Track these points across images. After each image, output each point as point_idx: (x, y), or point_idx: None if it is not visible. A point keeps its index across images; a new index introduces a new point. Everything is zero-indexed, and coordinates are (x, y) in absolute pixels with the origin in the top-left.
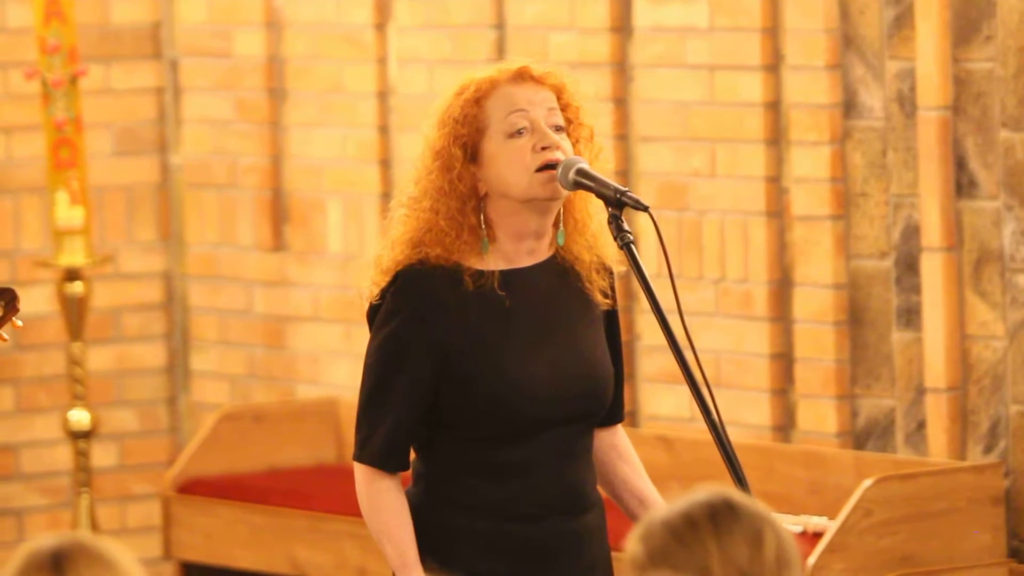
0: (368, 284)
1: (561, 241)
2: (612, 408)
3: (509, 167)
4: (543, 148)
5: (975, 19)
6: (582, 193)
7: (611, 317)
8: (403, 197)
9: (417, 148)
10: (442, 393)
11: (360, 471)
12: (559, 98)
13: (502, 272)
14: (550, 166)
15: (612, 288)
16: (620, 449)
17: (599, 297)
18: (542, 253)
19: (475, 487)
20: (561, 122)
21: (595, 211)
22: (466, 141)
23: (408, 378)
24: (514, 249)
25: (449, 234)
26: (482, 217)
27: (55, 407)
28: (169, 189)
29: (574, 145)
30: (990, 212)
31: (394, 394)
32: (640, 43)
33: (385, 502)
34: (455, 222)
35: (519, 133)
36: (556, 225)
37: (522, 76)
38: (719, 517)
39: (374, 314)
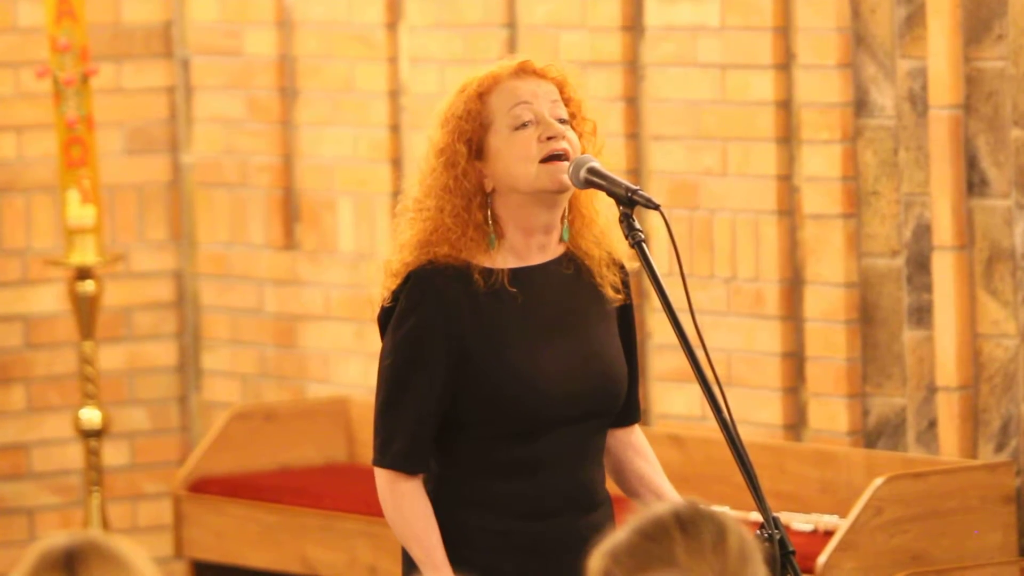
0: (378, 290)
1: (566, 237)
2: (628, 408)
3: (515, 158)
4: (548, 138)
5: (986, 18)
6: (588, 189)
7: (624, 313)
8: (408, 201)
9: (423, 149)
10: (455, 392)
11: (382, 476)
12: (561, 92)
13: (512, 270)
14: (556, 157)
15: (625, 283)
16: (637, 446)
17: (611, 292)
18: (552, 250)
19: (488, 485)
20: (565, 114)
21: (601, 207)
22: (470, 137)
23: (426, 378)
24: (524, 245)
25: (455, 231)
26: (489, 213)
27: (66, 406)
28: (180, 188)
29: (578, 139)
30: (1001, 211)
31: (413, 395)
32: (651, 42)
33: (409, 505)
34: (460, 219)
35: (524, 126)
36: (563, 221)
37: (524, 70)
38: (683, 515)
39: (386, 318)
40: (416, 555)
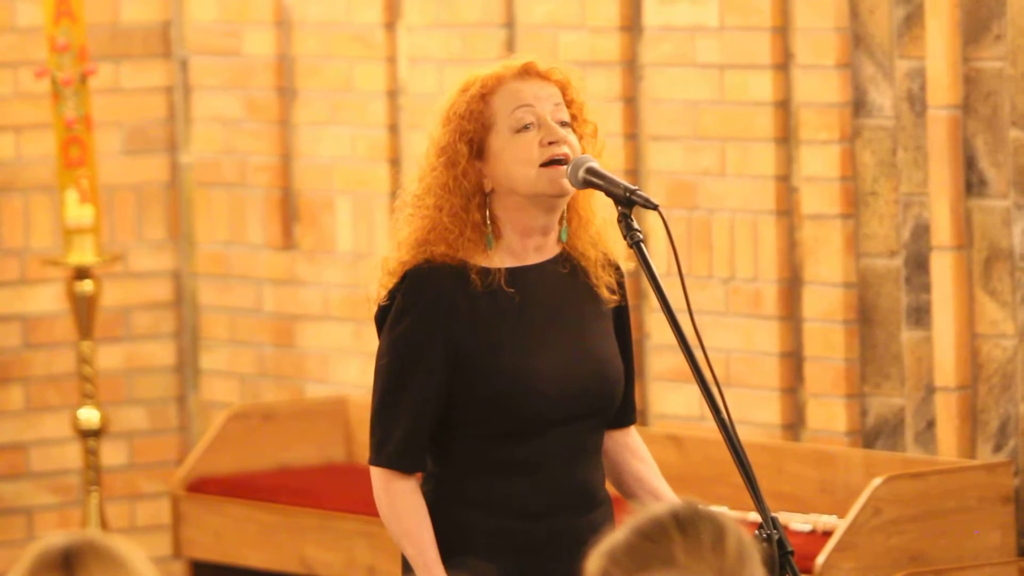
0: (375, 287)
1: (564, 237)
2: (624, 409)
3: (515, 161)
4: (550, 143)
5: (985, 18)
6: (586, 190)
7: (620, 313)
8: (407, 196)
9: (423, 147)
10: (452, 391)
11: (377, 474)
12: (564, 93)
13: (509, 269)
14: (556, 161)
15: (620, 284)
16: (633, 448)
17: (606, 293)
18: (549, 250)
19: (484, 484)
20: (567, 117)
21: (599, 207)
22: (472, 137)
23: (422, 377)
24: (521, 246)
25: (452, 231)
26: (487, 213)
27: (65, 406)
28: (179, 188)
29: (579, 141)
30: (1000, 211)
31: (409, 394)
32: (650, 42)
33: (404, 504)
34: (459, 219)
35: (526, 128)
36: (561, 221)
37: (527, 72)
38: (682, 515)
39: (383, 316)
40: (409, 553)
